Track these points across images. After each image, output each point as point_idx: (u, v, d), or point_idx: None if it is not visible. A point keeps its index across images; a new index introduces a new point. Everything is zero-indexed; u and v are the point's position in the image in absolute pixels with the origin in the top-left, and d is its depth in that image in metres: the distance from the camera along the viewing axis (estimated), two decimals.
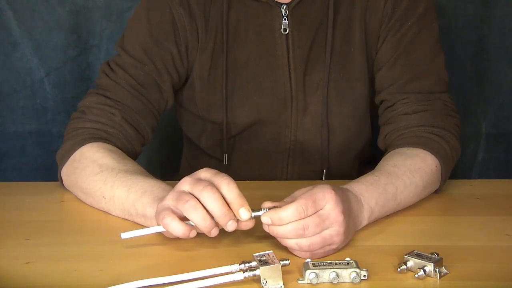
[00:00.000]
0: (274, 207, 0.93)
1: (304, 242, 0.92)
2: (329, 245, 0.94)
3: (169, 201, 0.93)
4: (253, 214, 0.93)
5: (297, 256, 0.94)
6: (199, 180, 0.93)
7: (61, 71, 1.72)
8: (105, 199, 1.09)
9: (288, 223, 0.91)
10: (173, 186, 0.96)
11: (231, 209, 0.91)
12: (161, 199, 0.96)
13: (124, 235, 0.95)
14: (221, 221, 0.91)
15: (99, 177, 1.10)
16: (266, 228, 0.94)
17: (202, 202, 0.90)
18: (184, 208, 0.90)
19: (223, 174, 0.94)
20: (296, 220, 0.91)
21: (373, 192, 1.05)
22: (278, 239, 0.94)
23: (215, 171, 0.94)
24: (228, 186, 0.91)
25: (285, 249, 0.96)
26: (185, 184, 0.93)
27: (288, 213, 0.91)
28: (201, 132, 1.36)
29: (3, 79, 1.71)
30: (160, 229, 0.94)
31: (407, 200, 1.12)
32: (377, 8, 1.27)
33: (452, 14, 1.72)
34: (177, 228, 0.91)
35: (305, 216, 0.91)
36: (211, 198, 0.90)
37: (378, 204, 1.05)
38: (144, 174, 1.09)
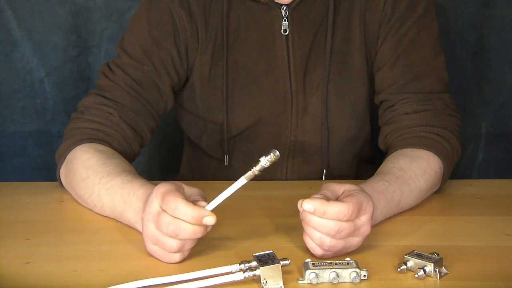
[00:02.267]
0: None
1: (328, 241, 0.92)
2: (344, 249, 0.94)
3: (151, 243, 0.94)
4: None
5: (310, 252, 0.94)
6: (159, 216, 0.91)
7: (61, 71, 1.71)
8: (97, 207, 1.10)
9: (329, 219, 0.91)
10: None
11: (197, 224, 0.90)
12: (140, 210, 0.97)
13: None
14: (198, 237, 0.92)
15: (86, 184, 1.10)
16: (301, 209, 0.93)
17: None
18: (164, 258, 0.93)
19: (167, 198, 0.91)
20: (335, 220, 0.91)
21: (381, 201, 1.05)
22: (303, 224, 0.94)
23: (162, 193, 0.92)
24: (178, 211, 0.90)
25: (285, 249, 0.96)
26: (150, 223, 0.92)
27: (334, 211, 0.91)
28: (202, 133, 1.35)
29: (3, 79, 1.71)
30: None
31: (408, 204, 1.13)
32: (377, 8, 1.27)
33: (452, 14, 1.72)
34: (182, 257, 0.94)
35: (345, 220, 0.91)
36: (177, 236, 0.90)
37: (382, 213, 1.06)
38: (122, 175, 1.07)
